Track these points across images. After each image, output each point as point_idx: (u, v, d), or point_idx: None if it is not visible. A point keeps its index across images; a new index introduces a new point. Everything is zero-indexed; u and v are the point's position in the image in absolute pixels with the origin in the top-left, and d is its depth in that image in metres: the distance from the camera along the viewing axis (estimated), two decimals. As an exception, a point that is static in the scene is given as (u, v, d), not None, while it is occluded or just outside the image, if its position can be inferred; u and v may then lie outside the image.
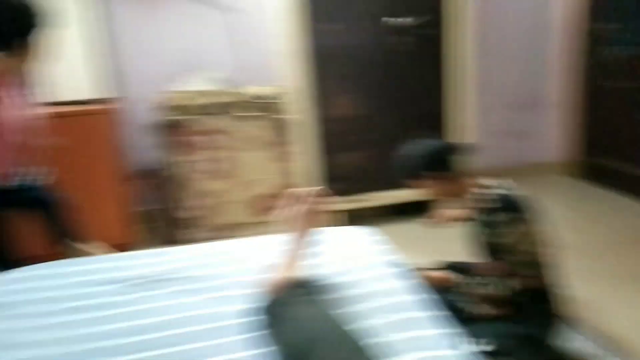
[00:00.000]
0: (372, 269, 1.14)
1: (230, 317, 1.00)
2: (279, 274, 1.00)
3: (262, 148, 2.66)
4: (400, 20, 2.56)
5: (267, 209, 2.71)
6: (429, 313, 0.97)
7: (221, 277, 1.15)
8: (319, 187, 1.15)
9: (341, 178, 2.67)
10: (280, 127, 2.69)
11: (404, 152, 1.57)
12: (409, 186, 1.61)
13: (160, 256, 1.26)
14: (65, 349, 0.94)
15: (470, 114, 2.70)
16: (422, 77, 2.66)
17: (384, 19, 2.55)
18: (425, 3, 2.58)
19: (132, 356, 0.91)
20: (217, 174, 2.63)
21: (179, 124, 2.55)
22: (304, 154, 2.61)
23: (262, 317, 0.94)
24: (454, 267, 1.64)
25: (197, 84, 2.62)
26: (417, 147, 1.56)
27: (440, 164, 1.53)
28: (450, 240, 1.91)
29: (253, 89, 2.61)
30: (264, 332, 0.92)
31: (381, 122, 2.68)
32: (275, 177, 2.71)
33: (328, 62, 2.56)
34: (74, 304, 1.07)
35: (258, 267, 1.03)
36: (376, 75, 2.62)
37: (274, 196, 2.71)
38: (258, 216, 2.72)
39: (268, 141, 2.67)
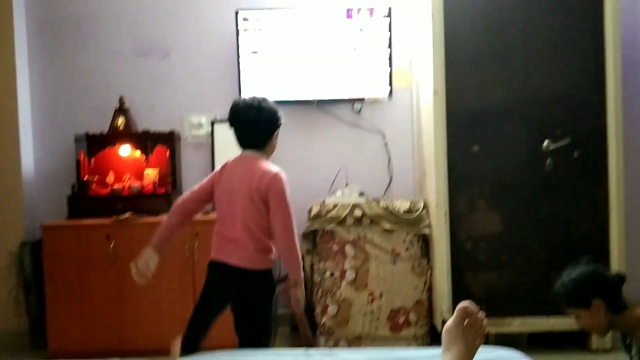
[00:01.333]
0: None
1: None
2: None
3: (402, 261, 2.75)
4: (546, 142, 2.63)
5: (402, 323, 2.73)
6: None
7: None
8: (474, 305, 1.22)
9: (477, 298, 2.63)
10: (420, 242, 2.78)
11: (571, 277, 1.57)
12: (570, 314, 1.58)
13: (333, 356, 1.38)
14: None
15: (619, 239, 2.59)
16: (570, 199, 2.64)
17: (530, 141, 2.64)
18: (573, 124, 2.63)
19: None
20: (356, 284, 2.75)
21: (325, 233, 2.77)
22: (442, 270, 2.64)
23: None
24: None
25: (346, 197, 2.87)
26: (587, 273, 1.55)
27: (612, 293, 1.50)
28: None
29: (396, 204, 2.78)
30: None
31: (526, 244, 2.65)
32: (412, 291, 2.75)
33: (469, 182, 2.67)
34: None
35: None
36: (521, 196, 2.64)
37: (410, 310, 2.74)
38: (394, 330, 2.73)
39: (408, 254, 2.76)
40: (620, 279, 1.55)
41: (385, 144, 3.13)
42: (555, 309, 2.53)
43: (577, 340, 2.67)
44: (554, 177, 2.63)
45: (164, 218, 2.71)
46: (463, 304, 1.21)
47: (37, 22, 3.11)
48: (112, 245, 2.67)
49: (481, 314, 1.20)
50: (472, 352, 1.15)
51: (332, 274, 2.75)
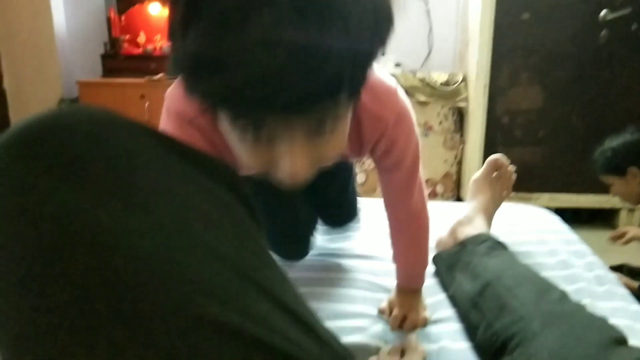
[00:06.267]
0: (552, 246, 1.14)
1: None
2: (468, 225, 1.06)
3: (434, 134, 2.71)
4: (604, 12, 2.40)
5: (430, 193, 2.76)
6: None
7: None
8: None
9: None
10: (455, 116, 2.72)
11: (612, 144, 1.52)
12: (608, 183, 1.55)
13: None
14: None
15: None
16: (620, 75, 2.48)
17: (587, 10, 2.42)
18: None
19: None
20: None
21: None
22: (475, 144, 2.60)
23: (447, 265, 1.01)
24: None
25: (381, 67, 2.76)
26: (628, 141, 1.50)
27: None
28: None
29: (433, 75, 2.67)
30: (447, 278, 0.98)
31: (566, 120, 2.55)
32: (441, 164, 2.75)
33: (514, 53, 2.51)
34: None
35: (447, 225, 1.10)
36: (568, 69, 2.49)
37: (438, 182, 2.76)
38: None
39: (441, 128, 2.71)
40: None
41: (427, 12, 2.93)
42: (586, 187, 2.51)
43: (604, 219, 2.67)
44: (607, 50, 2.44)
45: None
46: (494, 156, 1.19)
47: None
48: (147, 104, 2.70)
49: (511, 167, 1.19)
50: (498, 202, 1.15)
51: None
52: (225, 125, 0.48)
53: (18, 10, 2.87)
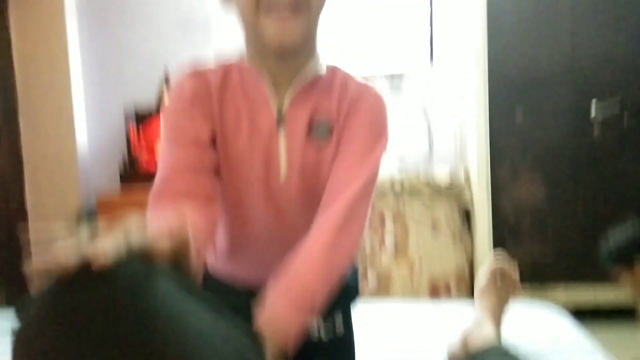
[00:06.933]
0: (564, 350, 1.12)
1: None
2: (478, 334, 1.06)
3: (439, 232, 2.74)
4: (594, 105, 2.53)
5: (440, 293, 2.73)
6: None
7: (421, 334, 1.24)
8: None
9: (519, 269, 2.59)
10: (461, 214, 2.76)
11: (615, 236, 1.52)
12: (617, 276, 1.54)
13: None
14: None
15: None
16: (616, 167, 2.54)
17: (579, 109, 2.55)
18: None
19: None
20: (394, 253, 2.76)
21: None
22: (484, 244, 2.61)
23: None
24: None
25: (387, 168, 2.85)
26: (631, 233, 1.50)
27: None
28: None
29: (437, 177, 2.75)
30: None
31: (566, 215, 2.58)
32: (452, 264, 2.74)
33: (511, 152, 2.61)
34: None
35: (458, 330, 1.10)
36: (564, 167, 2.57)
37: (450, 283, 2.73)
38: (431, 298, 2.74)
39: (450, 229, 2.74)
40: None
41: (425, 110, 3.06)
42: (601, 276, 2.46)
43: (626, 313, 2.59)
44: (601, 147, 2.53)
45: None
46: (494, 265, 1.21)
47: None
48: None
49: (514, 274, 1.20)
50: (505, 304, 1.15)
51: (368, 243, 2.77)
52: None
53: (43, 127, 3.07)
